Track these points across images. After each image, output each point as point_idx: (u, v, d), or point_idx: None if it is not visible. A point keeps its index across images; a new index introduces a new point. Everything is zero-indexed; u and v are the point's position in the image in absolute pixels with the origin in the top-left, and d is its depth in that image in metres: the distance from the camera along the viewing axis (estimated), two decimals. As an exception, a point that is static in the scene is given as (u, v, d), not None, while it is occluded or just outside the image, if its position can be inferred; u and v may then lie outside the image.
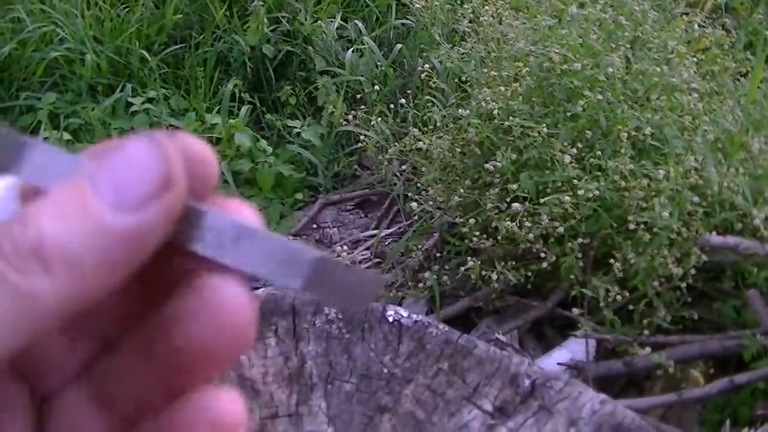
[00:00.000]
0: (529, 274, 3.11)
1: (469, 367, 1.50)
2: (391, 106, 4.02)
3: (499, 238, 3.05)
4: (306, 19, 4.91)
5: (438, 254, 3.57)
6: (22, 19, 4.87)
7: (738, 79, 3.62)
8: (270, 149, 4.39)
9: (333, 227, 4.19)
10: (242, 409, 0.47)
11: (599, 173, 2.97)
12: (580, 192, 2.88)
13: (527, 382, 1.48)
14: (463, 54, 3.74)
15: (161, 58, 4.87)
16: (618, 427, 1.44)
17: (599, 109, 3.12)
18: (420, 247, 3.61)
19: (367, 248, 3.92)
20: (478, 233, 3.13)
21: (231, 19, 5.00)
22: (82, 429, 0.48)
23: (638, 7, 3.56)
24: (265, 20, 4.85)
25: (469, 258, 3.14)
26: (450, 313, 3.35)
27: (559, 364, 3.05)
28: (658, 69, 3.27)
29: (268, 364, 1.52)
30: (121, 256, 0.42)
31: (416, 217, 3.78)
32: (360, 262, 3.77)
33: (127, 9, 5.06)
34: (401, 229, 3.98)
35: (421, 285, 3.38)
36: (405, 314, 1.56)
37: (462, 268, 3.16)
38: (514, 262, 3.14)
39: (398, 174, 4.11)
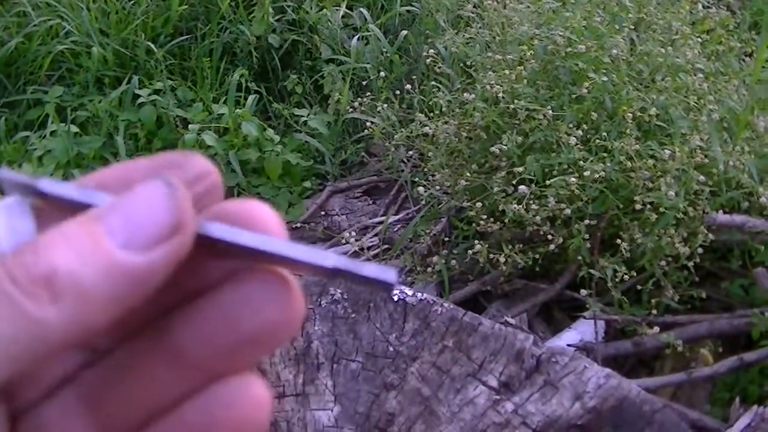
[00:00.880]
0: (537, 256, 3.11)
1: (474, 343, 1.51)
2: (397, 92, 4.03)
3: (507, 221, 3.06)
4: (311, 8, 4.91)
5: (446, 239, 3.58)
6: (28, 13, 4.89)
7: (743, 59, 3.62)
8: (277, 138, 4.40)
9: (341, 214, 4.20)
10: (269, 396, 0.48)
11: (605, 154, 2.98)
12: (586, 173, 2.89)
13: (532, 358, 1.49)
14: (468, 39, 3.75)
15: (167, 50, 4.89)
16: (623, 400, 1.45)
17: (604, 91, 3.12)
18: (428, 232, 3.62)
19: (376, 235, 3.93)
20: (485, 217, 3.13)
21: (236, 10, 5.01)
22: None
23: (642, -12, 3.56)
24: (271, 10, 4.86)
25: (476, 242, 3.15)
26: (459, 297, 3.35)
27: (568, 345, 3.06)
28: (662, 50, 3.28)
29: (275, 344, 1.53)
30: (128, 291, 0.43)
31: (424, 203, 3.79)
32: (369, 248, 3.78)
33: (132, 1, 5.07)
34: (409, 215, 3.98)
35: (429, 269, 3.38)
36: (410, 293, 1.57)
37: (470, 252, 3.17)
38: (521, 245, 3.15)
39: (405, 160, 4.11)
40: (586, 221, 2.95)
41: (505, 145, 3.08)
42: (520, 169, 3.02)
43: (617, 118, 3.08)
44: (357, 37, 4.73)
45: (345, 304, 1.56)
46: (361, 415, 1.46)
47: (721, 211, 3.01)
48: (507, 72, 3.28)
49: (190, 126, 4.34)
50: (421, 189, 3.47)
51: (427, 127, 3.45)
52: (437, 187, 3.49)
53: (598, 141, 2.98)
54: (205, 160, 0.49)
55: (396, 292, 1.56)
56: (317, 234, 4.02)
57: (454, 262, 3.40)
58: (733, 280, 3.34)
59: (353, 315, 1.55)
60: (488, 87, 3.24)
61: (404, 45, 4.71)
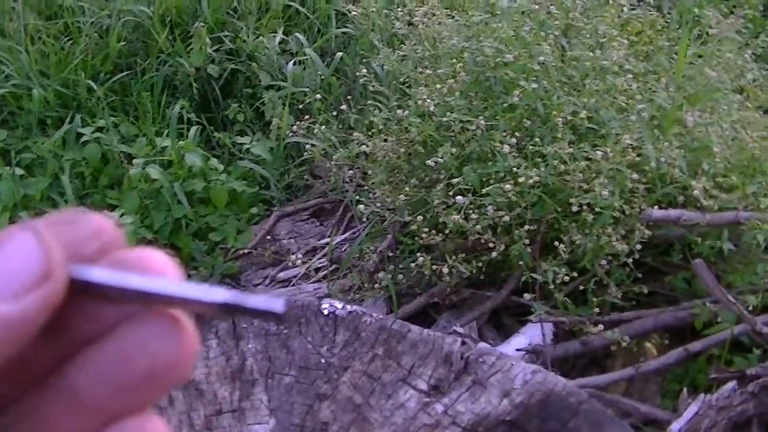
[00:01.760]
0: (481, 265, 3.15)
1: (404, 350, 1.55)
2: (337, 113, 4.07)
3: (448, 232, 3.10)
4: (248, 36, 4.95)
5: (392, 254, 3.62)
6: (-34, 59, 4.90)
7: (672, 58, 3.67)
8: (221, 167, 4.42)
9: (289, 238, 4.23)
10: None
11: (540, 160, 3.02)
12: (521, 180, 2.93)
13: (461, 360, 1.53)
14: (401, 57, 3.79)
15: (108, 87, 4.89)
16: (549, 393, 1.50)
17: (536, 98, 3.18)
18: (374, 249, 3.66)
19: (324, 255, 3.96)
20: (427, 230, 3.17)
21: (174, 43, 5.02)
22: None
23: (567, -5, 3.61)
24: (208, 40, 4.88)
25: (419, 255, 3.19)
26: (409, 311, 3.39)
27: (518, 350, 3.10)
28: (590, 54, 3.33)
29: (210, 364, 1.57)
30: (2, 340, 0.43)
31: (366, 221, 3.82)
32: (317, 269, 3.82)
33: (71, 41, 5.08)
34: (356, 234, 4.02)
35: (377, 286, 3.42)
36: (340, 306, 1.61)
37: (414, 265, 3.21)
38: (465, 255, 3.19)
39: (349, 180, 4.15)
40: (526, 227, 3.00)
41: (441, 158, 3.13)
42: (458, 180, 3.06)
43: (550, 123, 3.12)
44: (294, 61, 4.76)
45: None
46: (296, 426, 1.49)
47: (657, 207, 3.07)
48: (439, 86, 3.32)
49: (134, 161, 4.36)
50: (362, 207, 3.51)
51: (365, 146, 3.49)
52: (379, 204, 3.52)
53: (532, 147, 3.03)
54: (101, 217, 0.49)
55: (326, 305, 1.61)
56: (265, 259, 4.05)
57: (401, 276, 3.44)
58: (675, 273, 3.39)
59: (285, 331, 1.59)
60: (421, 102, 3.28)
61: (341, 66, 4.75)
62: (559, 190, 3.06)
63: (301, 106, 4.54)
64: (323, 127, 3.87)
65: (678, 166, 3.06)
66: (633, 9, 3.79)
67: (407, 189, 3.28)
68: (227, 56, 5.00)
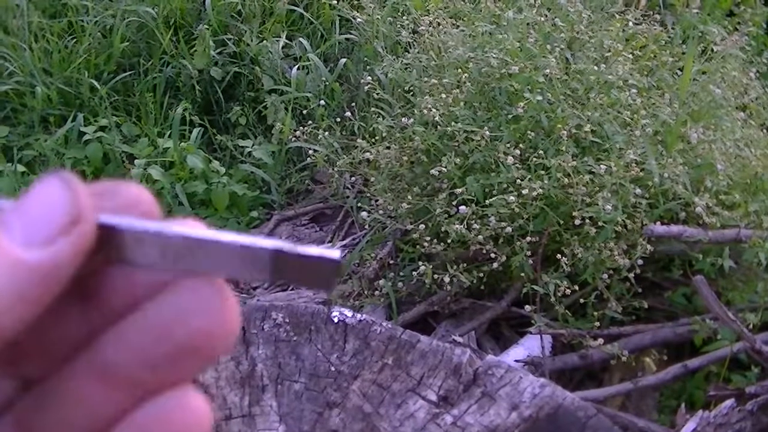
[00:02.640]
0: (482, 275, 3.16)
1: (413, 360, 1.55)
2: (339, 120, 4.07)
3: (450, 242, 3.10)
4: (252, 40, 4.95)
5: (392, 262, 3.62)
6: (-30, 56, 4.90)
7: (676, 73, 3.68)
8: (223, 170, 4.43)
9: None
10: (208, 408, 0.47)
11: (543, 172, 3.03)
12: (525, 191, 2.94)
13: (470, 371, 1.54)
14: (405, 65, 3.80)
15: (111, 87, 4.91)
16: (558, 407, 1.50)
17: (540, 110, 3.18)
18: (374, 256, 3.66)
19: (324, 261, 3.95)
20: (429, 239, 3.17)
21: (177, 44, 5.03)
22: None
23: (573, 8, 3.61)
24: (211, 43, 4.89)
25: (421, 263, 3.19)
26: (408, 319, 3.39)
27: (516, 361, 3.10)
28: (595, 67, 3.34)
29: (220, 369, 1.57)
30: (35, 288, 0.43)
31: (368, 227, 3.82)
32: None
33: (74, 40, 5.09)
34: (356, 240, 4.02)
35: (377, 293, 3.42)
36: (350, 314, 1.61)
37: (415, 274, 3.21)
38: (466, 265, 3.19)
39: (350, 186, 4.15)
40: (528, 238, 3.00)
41: (445, 167, 3.13)
42: (461, 190, 3.07)
43: (554, 135, 3.13)
44: (297, 66, 4.77)
45: (287, 327, 1.60)
46: (306, 433, 1.50)
47: (658, 223, 3.07)
48: (444, 96, 3.33)
49: (136, 161, 4.36)
50: (364, 214, 3.51)
51: (368, 153, 3.49)
52: (381, 212, 3.52)
53: (535, 159, 3.03)
54: (139, 187, 0.48)
55: (336, 313, 1.61)
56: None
57: (401, 284, 3.44)
58: (675, 289, 3.40)
59: (295, 338, 1.59)
60: (425, 111, 3.29)
61: (344, 72, 4.75)
62: (562, 202, 3.06)
63: (304, 112, 4.54)
64: (326, 133, 3.87)
65: (681, 182, 3.07)
66: (638, 24, 3.79)
67: (410, 197, 3.28)
68: (230, 59, 5.01)
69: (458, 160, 3.13)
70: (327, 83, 4.67)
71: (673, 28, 4.32)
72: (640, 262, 3.01)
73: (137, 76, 5.04)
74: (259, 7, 5.16)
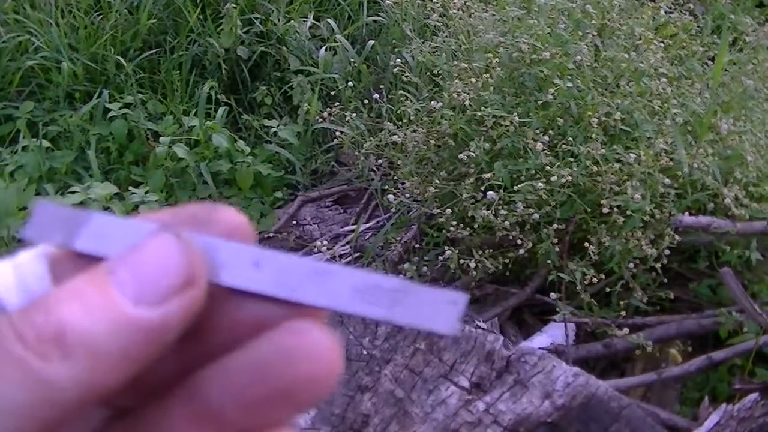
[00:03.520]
0: (507, 261, 3.14)
1: (446, 346, 1.54)
2: (366, 102, 4.06)
3: (476, 227, 3.09)
4: (279, 20, 4.94)
5: (417, 246, 3.61)
6: (-3, 30, 4.90)
7: (706, 63, 3.66)
8: (248, 149, 4.42)
9: (313, 224, 4.23)
10: None
11: (572, 159, 3.01)
12: (554, 178, 2.92)
13: (503, 358, 1.53)
14: (434, 48, 3.78)
15: (137, 64, 4.91)
16: (591, 397, 1.49)
17: (570, 97, 3.16)
18: (399, 239, 3.65)
19: (347, 243, 3.95)
20: (455, 223, 3.16)
21: (204, 23, 5.03)
22: None
23: (605, -5, 3.60)
24: (239, 22, 4.88)
25: (447, 248, 3.18)
26: (430, 304, 3.38)
27: (540, 348, 3.09)
28: (626, 55, 3.32)
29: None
30: (141, 347, 0.43)
31: (394, 210, 3.82)
32: (340, 256, 3.81)
33: (101, 16, 5.08)
34: (380, 223, 4.01)
35: (401, 276, 3.41)
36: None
37: (440, 258, 3.20)
38: (491, 251, 3.18)
39: (375, 169, 4.14)
40: (555, 226, 2.98)
41: (473, 152, 3.11)
42: (489, 175, 3.05)
43: (583, 123, 3.11)
44: (325, 47, 4.76)
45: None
46: (337, 416, 1.49)
47: (687, 213, 3.05)
48: (473, 80, 3.31)
49: (161, 139, 4.36)
50: (390, 197, 3.50)
51: (395, 136, 3.48)
52: (407, 195, 3.51)
53: (564, 146, 3.02)
54: (233, 211, 0.48)
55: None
56: (289, 243, 4.04)
57: (425, 268, 3.43)
58: (700, 280, 3.38)
59: (326, 320, 1.58)
60: (455, 95, 3.27)
61: (372, 55, 4.74)
62: (590, 190, 3.05)
63: (332, 93, 4.53)
64: (354, 114, 3.86)
65: (711, 173, 3.05)
66: (670, 12, 3.77)
67: (437, 181, 3.27)
68: (257, 39, 5.00)
69: (486, 145, 3.12)
70: (355, 65, 4.65)
71: (703, 18, 4.29)
72: (666, 252, 3.00)
73: (163, 53, 5.03)
74: (287, -14, 5.16)
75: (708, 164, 3.05)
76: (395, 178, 3.68)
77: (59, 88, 4.76)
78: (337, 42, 4.77)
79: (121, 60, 4.83)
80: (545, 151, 3.01)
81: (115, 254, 0.45)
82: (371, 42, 4.73)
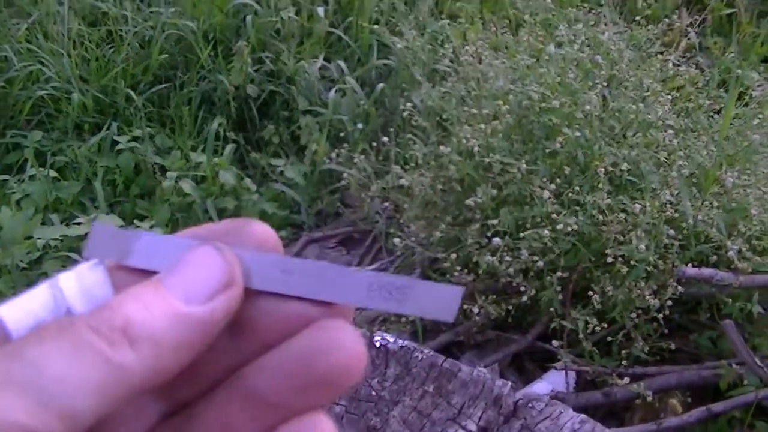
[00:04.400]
0: (510, 308, 3.16)
1: (454, 389, 1.56)
2: (373, 144, 4.08)
3: (480, 272, 3.11)
4: (289, 60, 4.97)
5: (419, 289, 3.62)
6: (9, 58, 4.93)
7: (712, 116, 3.68)
8: (254, 187, 4.44)
9: (316, 263, 4.23)
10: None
11: (577, 208, 3.03)
12: (559, 227, 2.94)
13: (510, 403, 1.54)
14: (444, 93, 3.80)
15: (146, 97, 4.93)
16: (596, 445, 1.50)
17: (577, 146, 3.18)
18: (402, 282, 3.65)
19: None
20: (459, 268, 3.18)
21: (215, 60, 5.06)
22: None
23: (614, 46, 3.62)
24: (249, 60, 4.91)
25: (450, 292, 3.18)
26: (432, 347, 3.37)
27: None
28: (634, 106, 3.34)
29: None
30: (194, 337, 0.50)
31: (399, 254, 3.83)
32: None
33: (112, 49, 5.12)
34: (383, 266, 4.02)
35: (403, 320, 3.42)
36: (391, 339, 1.62)
37: (443, 302, 3.20)
38: (494, 296, 3.19)
39: (380, 211, 4.16)
40: (559, 273, 3.00)
41: (480, 198, 3.13)
42: (494, 221, 3.07)
43: (589, 172, 3.13)
44: (334, 89, 4.78)
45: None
46: (345, 456, 1.50)
47: (690, 265, 3.07)
48: (482, 126, 3.33)
49: (167, 173, 4.38)
50: (396, 240, 3.50)
51: (402, 179, 3.50)
52: (412, 239, 3.53)
53: (570, 195, 3.03)
54: (263, 225, 0.56)
55: (378, 337, 1.62)
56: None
57: (427, 312, 3.43)
58: (702, 332, 3.39)
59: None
60: (464, 140, 3.29)
61: (381, 97, 4.76)
62: (595, 239, 3.06)
63: (341, 134, 4.55)
64: (362, 156, 3.88)
65: (715, 225, 3.07)
66: (678, 65, 3.80)
67: (443, 226, 3.29)
68: (267, 77, 5.03)
69: (493, 191, 3.14)
70: (363, 107, 4.68)
71: (709, 71, 4.32)
72: (669, 303, 3.01)
73: (173, 88, 5.05)
74: (298, 27, 5.19)
75: (712, 217, 3.07)
76: (401, 221, 3.69)
77: (68, 119, 4.78)
78: (346, 84, 4.79)
79: (131, 93, 4.85)
80: (551, 199, 3.03)
81: (165, 267, 0.53)
82: (381, 85, 4.75)
